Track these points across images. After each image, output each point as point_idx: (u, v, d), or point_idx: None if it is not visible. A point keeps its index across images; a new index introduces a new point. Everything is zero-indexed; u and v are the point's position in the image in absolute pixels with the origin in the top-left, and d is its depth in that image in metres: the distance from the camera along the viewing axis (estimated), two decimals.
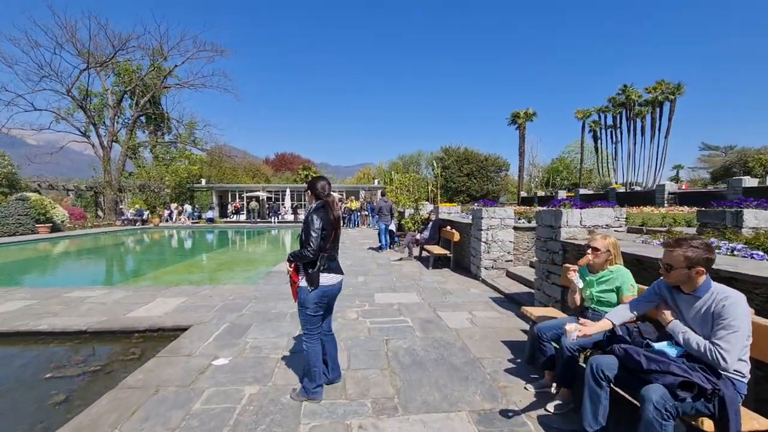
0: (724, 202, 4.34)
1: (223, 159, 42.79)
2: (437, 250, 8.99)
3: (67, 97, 28.76)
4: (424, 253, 10.30)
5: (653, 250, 3.45)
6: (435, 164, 37.30)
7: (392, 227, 12.80)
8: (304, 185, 42.36)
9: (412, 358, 3.77)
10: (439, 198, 35.28)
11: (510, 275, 7.31)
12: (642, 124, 44.06)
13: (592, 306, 2.99)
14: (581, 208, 4.56)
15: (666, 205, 20.15)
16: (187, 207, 29.08)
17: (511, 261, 7.48)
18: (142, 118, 38.23)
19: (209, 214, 29.49)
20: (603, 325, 2.48)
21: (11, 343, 4.52)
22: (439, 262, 9.28)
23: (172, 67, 34.68)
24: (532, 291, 6.17)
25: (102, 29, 29.39)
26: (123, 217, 25.90)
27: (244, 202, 33.95)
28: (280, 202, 36.44)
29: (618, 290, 2.86)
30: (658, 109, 42.59)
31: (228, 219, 32.40)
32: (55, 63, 32.50)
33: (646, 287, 2.60)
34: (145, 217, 26.55)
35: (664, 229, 6.42)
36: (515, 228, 7.48)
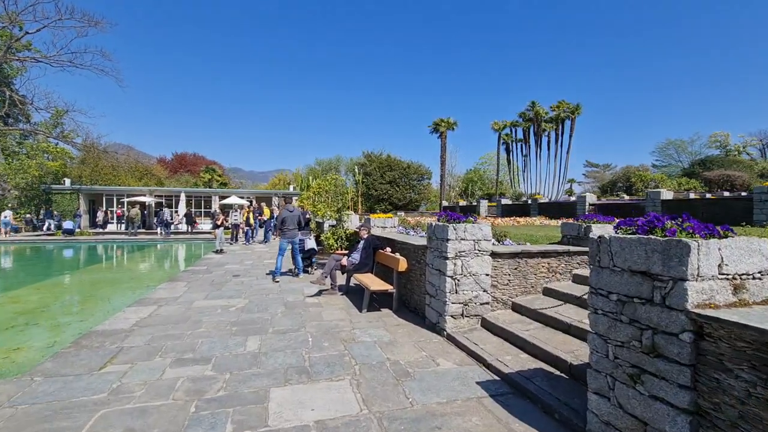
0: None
1: (99, 155, 34.95)
2: (375, 284, 6.19)
3: None
4: (354, 282, 7.47)
5: None
6: (356, 170, 34.82)
7: (311, 244, 9.73)
8: (207, 189, 36.77)
9: None
10: (360, 206, 32.79)
11: (488, 327, 4.82)
12: (548, 139, 47.32)
13: None
14: (712, 236, 2.17)
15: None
16: (6, 213, 21.81)
17: (488, 303, 5.02)
18: None
19: (68, 224, 22.81)
20: None
21: None
22: (375, 301, 6.51)
23: (22, 35, 26.99)
24: (542, 365, 3.71)
25: None
26: None
27: (125, 209, 27.54)
28: (173, 209, 30.62)
29: None
30: (561, 126, 46.03)
31: (100, 230, 25.78)
32: None
33: None
34: None
35: None
36: (493, 254, 5.05)
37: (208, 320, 5.50)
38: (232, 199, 29.66)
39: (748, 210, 13.42)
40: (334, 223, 11.48)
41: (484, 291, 4.96)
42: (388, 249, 6.90)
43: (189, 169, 55.15)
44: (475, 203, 34.87)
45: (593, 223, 5.59)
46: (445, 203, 39.66)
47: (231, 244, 16.26)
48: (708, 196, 18.41)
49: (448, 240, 4.81)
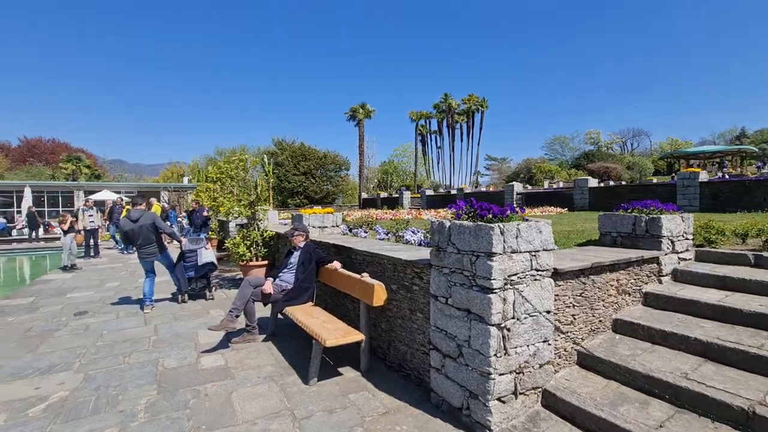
0: None
1: None
2: (332, 330, 3.53)
3: None
4: (283, 315, 4.72)
5: None
6: (266, 159, 30.73)
7: (209, 256, 6.59)
8: (65, 182, 29.29)
9: None
10: (272, 201, 28.94)
11: (560, 410, 2.61)
12: (460, 132, 48.37)
13: None
14: None
15: (515, 205, 19.89)
16: None
17: (551, 363, 2.82)
18: None
19: None
20: None
21: None
22: (332, 360, 3.89)
23: None
24: None
25: None
26: None
27: None
28: (16, 209, 23.52)
29: None
30: (471, 119, 47.30)
31: None
32: None
33: None
34: None
35: None
36: (555, 274, 2.86)
37: None
38: (104, 195, 23.59)
39: (672, 195, 13.77)
40: (244, 222, 8.40)
41: (545, 341, 2.75)
42: (337, 264, 4.32)
43: (46, 158, 43.95)
44: (397, 195, 33.48)
45: (660, 213, 3.76)
46: (364, 195, 37.64)
47: (89, 257, 11.69)
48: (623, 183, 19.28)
49: (492, 255, 2.45)
